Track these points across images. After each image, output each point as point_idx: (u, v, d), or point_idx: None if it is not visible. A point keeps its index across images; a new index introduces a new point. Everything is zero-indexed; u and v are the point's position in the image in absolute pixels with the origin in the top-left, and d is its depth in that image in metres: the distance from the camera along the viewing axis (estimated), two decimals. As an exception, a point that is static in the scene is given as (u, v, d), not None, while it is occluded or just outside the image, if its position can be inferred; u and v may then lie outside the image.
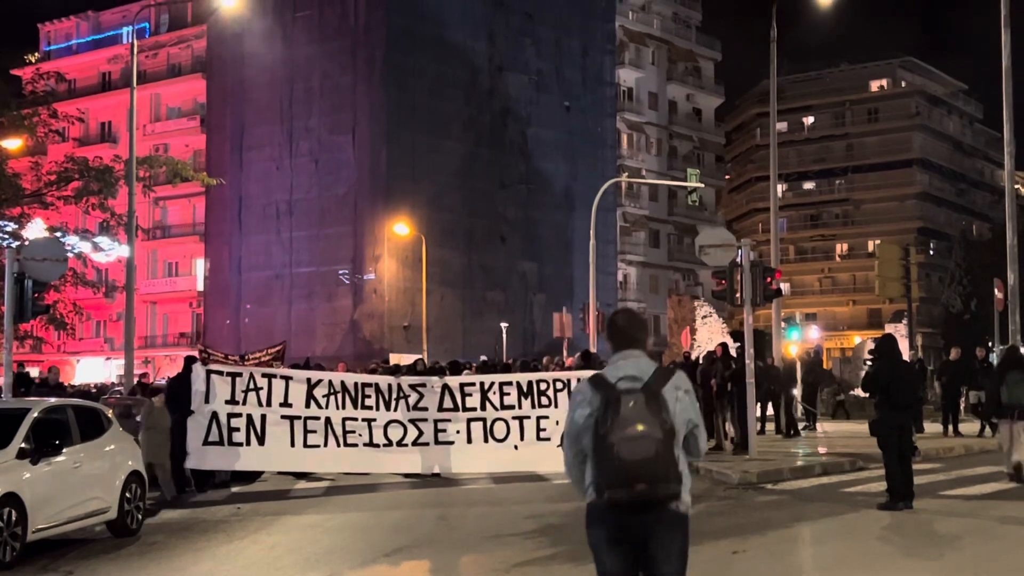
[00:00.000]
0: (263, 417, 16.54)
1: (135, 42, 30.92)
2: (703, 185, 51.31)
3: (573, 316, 40.54)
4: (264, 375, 16.94)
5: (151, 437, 15.58)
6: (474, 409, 17.72)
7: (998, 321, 28.69)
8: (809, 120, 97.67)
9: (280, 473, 17.84)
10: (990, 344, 29.51)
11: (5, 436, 11.00)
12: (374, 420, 17.21)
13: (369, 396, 17.34)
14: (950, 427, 23.89)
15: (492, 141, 61.43)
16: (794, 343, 51.57)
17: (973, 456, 20.08)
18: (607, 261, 62.23)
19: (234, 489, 16.80)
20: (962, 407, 25.44)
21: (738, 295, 19.04)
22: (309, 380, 17.23)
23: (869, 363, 15.39)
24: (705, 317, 41.03)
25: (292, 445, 16.73)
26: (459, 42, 59.34)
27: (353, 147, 57.50)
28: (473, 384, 18.16)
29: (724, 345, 22.94)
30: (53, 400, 13.10)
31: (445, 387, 17.81)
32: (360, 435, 17.11)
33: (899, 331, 33.09)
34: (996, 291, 28.47)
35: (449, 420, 17.54)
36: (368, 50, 57.20)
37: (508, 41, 62.64)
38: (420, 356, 33.79)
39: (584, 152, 65.71)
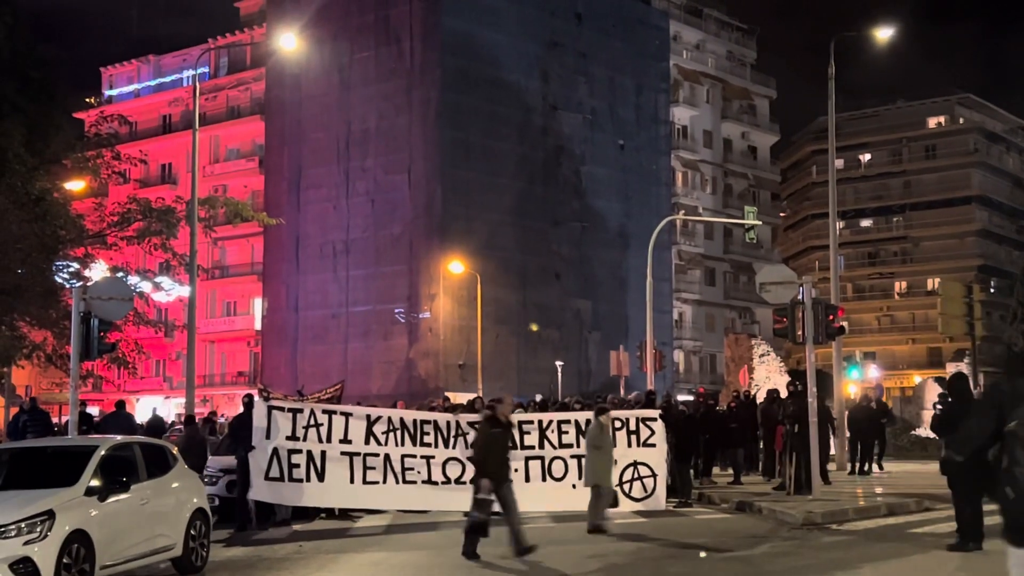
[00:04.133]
0: (323, 453, 16.60)
1: (197, 85, 31.42)
2: (760, 223, 51.13)
3: (630, 354, 40.39)
4: (324, 411, 17.02)
5: (595, 458, 15.89)
6: (532, 447, 17.69)
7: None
8: (866, 157, 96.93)
9: (342, 511, 17.84)
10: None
11: (74, 473, 11.09)
12: (433, 457, 17.21)
13: (428, 433, 17.36)
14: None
15: (546, 179, 61.62)
16: (854, 382, 51.08)
17: None
18: (662, 299, 61.97)
19: (296, 527, 16.83)
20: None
21: (800, 333, 18.84)
22: (369, 417, 17.29)
23: (939, 404, 15.12)
24: (762, 356, 40.71)
25: (352, 481, 16.77)
26: (513, 81, 59.71)
27: (408, 186, 57.90)
28: (531, 422, 18.13)
29: (794, 384, 22.70)
30: (120, 438, 13.23)
31: (504, 425, 17.74)
32: (419, 472, 17.12)
33: (961, 370, 32.63)
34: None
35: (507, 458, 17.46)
36: (423, 90, 57.72)
37: (562, 80, 62.93)
38: (477, 394, 33.76)
39: (638, 190, 65.71)
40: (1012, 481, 5.02)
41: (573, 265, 62.55)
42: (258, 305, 66.46)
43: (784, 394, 23.07)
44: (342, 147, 60.09)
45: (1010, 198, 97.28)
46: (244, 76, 70.77)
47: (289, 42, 38.36)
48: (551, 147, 62.30)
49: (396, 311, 57.52)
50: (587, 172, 63.76)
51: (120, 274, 30.24)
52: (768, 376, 36.71)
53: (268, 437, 16.32)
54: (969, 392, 13.48)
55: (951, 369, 32.01)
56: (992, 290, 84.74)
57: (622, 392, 32.89)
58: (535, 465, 17.67)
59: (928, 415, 29.75)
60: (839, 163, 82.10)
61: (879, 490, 20.46)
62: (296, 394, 20.33)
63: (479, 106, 57.52)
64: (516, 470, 17.44)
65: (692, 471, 20.49)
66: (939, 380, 33.35)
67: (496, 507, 13.32)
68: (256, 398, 17.58)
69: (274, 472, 16.28)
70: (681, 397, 40.91)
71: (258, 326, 66.38)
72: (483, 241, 55.45)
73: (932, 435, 20.62)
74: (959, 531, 12.94)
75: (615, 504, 16.89)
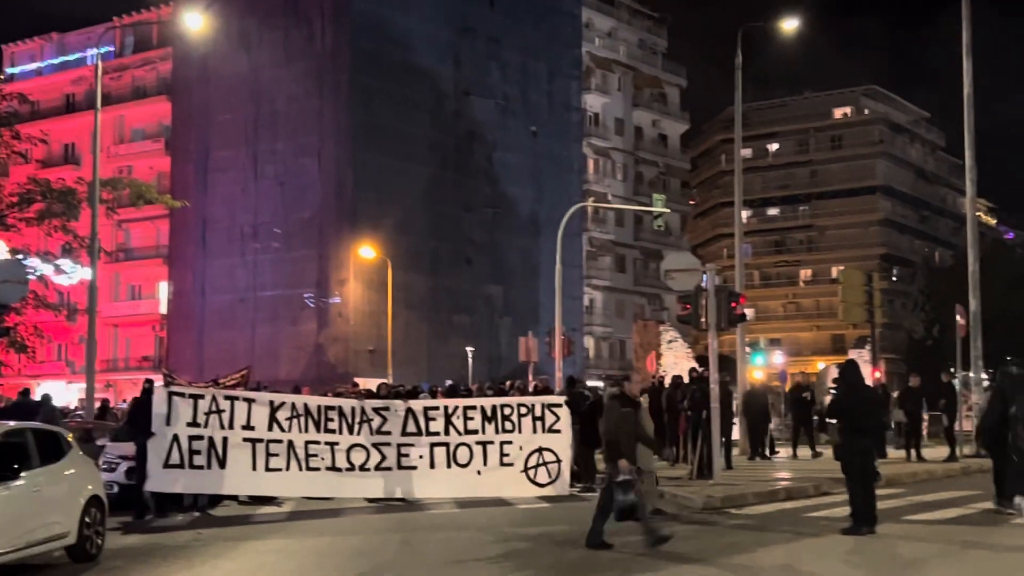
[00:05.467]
0: (225, 440, 16.39)
1: (100, 64, 30.76)
2: (669, 210, 51.60)
3: (539, 340, 40.51)
4: (227, 397, 16.79)
5: None
6: (437, 433, 17.68)
7: (960, 347, 28.91)
8: (773, 147, 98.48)
9: (250, 498, 17.65)
10: (952, 370, 29.68)
11: (-38, 460, 10.81)
12: (337, 444, 17.11)
13: (332, 420, 17.24)
14: (913, 452, 24.04)
15: (458, 165, 61.57)
16: (759, 368, 51.94)
17: (936, 481, 20.22)
18: (573, 285, 62.31)
19: (195, 514, 16.61)
20: (924, 432, 25.65)
21: (703, 320, 19.09)
22: (272, 403, 17.11)
23: (833, 389, 15.45)
24: (671, 342, 41.11)
25: (254, 468, 16.59)
26: (425, 66, 59.46)
27: (319, 170, 57.38)
28: (437, 408, 18.11)
29: (693, 370, 23.01)
30: (12, 424, 12.91)
31: (409, 411, 17.76)
32: (323, 459, 17.01)
33: (862, 357, 33.19)
34: (958, 317, 28.70)
35: (412, 444, 17.49)
36: (334, 73, 57.20)
37: (474, 65, 62.87)
38: (384, 380, 33.62)
39: (550, 177, 65.92)
40: (1017, 451, 6.71)
41: (485, 251, 62.58)
42: (164, 289, 65.42)
43: (687, 380, 23.33)
44: (251, 129, 59.30)
45: (913, 188, 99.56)
46: (150, 55, 69.54)
47: (196, 21, 37.64)
48: (463, 132, 62.23)
49: (305, 296, 57.05)
50: (499, 158, 63.82)
51: (20, 256, 29.58)
52: (676, 362, 37.07)
53: (168, 423, 16.06)
54: (859, 378, 13.77)
55: (852, 356, 32.59)
56: (895, 278, 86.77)
57: (530, 377, 32.96)
58: (440, 451, 17.66)
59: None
60: (747, 152, 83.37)
61: (779, 475, 20.83)
62: (212, 382, 20.00)
63: (391, 90, 57.17)
64: (421, 456, 17.56)
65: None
66: (839, 366, 33.94)
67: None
68: (156, 383, 17.31)
69: (174, 459, 16.03)
70: (592, 383, 41.20)
71: (163, 310, 65.33)
72: (394, 226, 55.17)
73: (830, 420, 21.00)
74: (853, 515, 13.23)
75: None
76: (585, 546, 12.19)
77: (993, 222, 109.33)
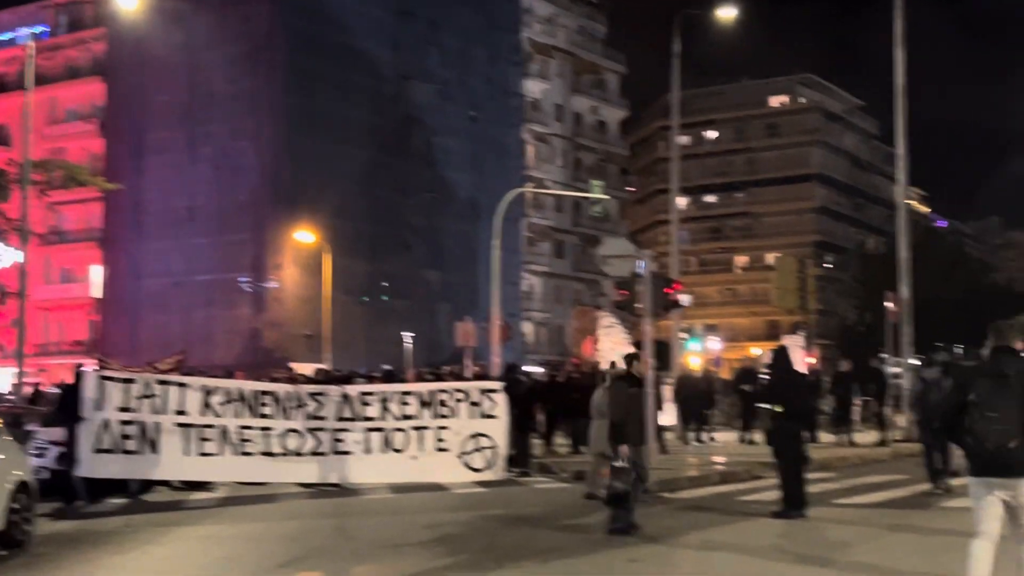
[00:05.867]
0: (157, 425, 16.21)
1: (32, 43, 30.21)
2: (608, 197, 51.84)
3: (477, 325, 40.47)
4: (159, 382, 16.61)
5: (601, 426, 15.25)
6: (373, 419, 17.62)
7: (891, 333, 29.40)
8: (711, 134, 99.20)
9: (184, 483, 17.47)
10: (883, 355, 30.15)
11: None
12: (271, 429, 17.00)
13: (267, 404, 17.12)
14: (844, 436, 24.41)
15: (397, 149, 61.29)
16: (695, 353, 52.40)
17: (866, 465, 20.55)
18: (512, 271, 62.35)
19: (126, 500, 16.42)
20: (855, 417, 26.03)
21: (638, 305, 19.21)
22: (205, 387, 16.94)
23: (763, 375, 15.64)
24: (609, 327, 41.22)
25: (187, 454, 16.43)
26: (363, 49, 59.09)
27: (255, 153, 56.87)
28: (373, 393, 18.05)
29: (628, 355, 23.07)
30: (-65, 408, 12.65)
31: (344, 396, 17.68)
32: (256, 444, 16.89)
33: (796, 342, 33.64)
34: (889, 303, 29.17)
35: (348, 430, 17.41)
36: (270, 55, 56.66)
37: (413, 49, 62.59)
38: (320, 365, 33.46)
39: (489, 162, 65.86)
40: (972, 434, 7.40)
41: (424, 235, 62.45)
42: (97, 272, 64.47)
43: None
44: (186, 111, 58.59)
45: (847, 176, 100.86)
46: (84, 35, 68.30)
47: (130, 1, 36.99)
48: (402, 117, 61.97)
49: (241, 280, 56.55)
50: (438, 143, 63.66)
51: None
52: (614, 348, 37.22)
53: (99, 408, 15.85)
54: (790, 363, 13.95)
55: (786, 341, 33.00)
56: (829, 265, 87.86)
57: (468, 363, 32.94)
58: (376, 436, 17.61)
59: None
60: (685, 139, 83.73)
61: (713, 459, 21.04)
62: (147, 364, 19.76)
63: (328, 73, 56.73)
64: (356, 441, 17.50)
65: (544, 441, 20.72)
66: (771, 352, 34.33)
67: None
68: (87, 368, 17.08)
69: (106, 444, 15.83)
70: (529, 368, 41.27)
71: (97, 294, 64.41)
72: (332, 210, 54.78)
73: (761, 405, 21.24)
74: (784, 498, 13.41)
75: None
76: (608, 533, 12.03)
77: (926, 210, 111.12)
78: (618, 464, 12.13)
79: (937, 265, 63.47)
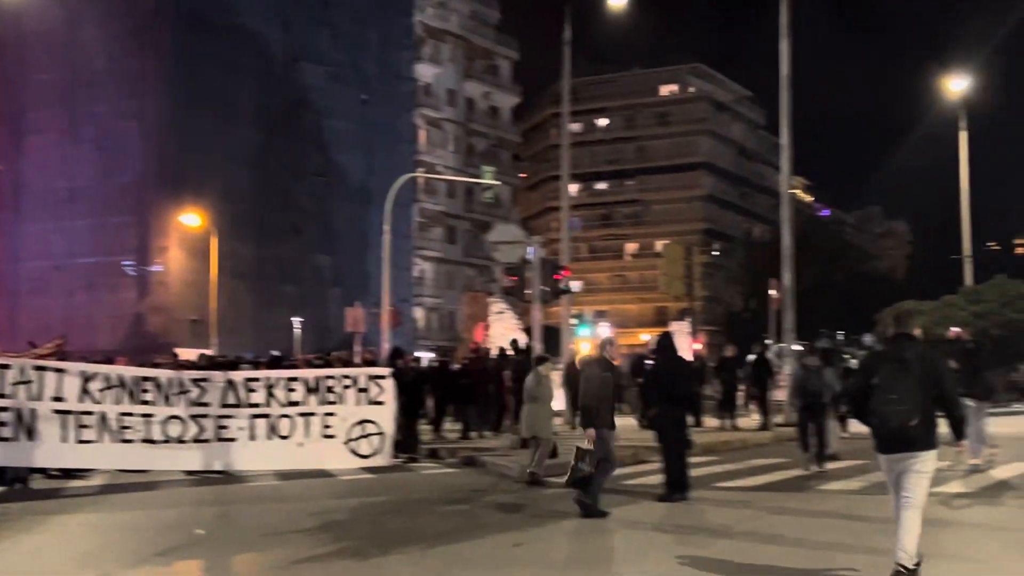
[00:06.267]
0: (33, 411, 15.74)
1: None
2: (499, 183, 51.80)
3: (368, 311, 40.23)
4: (36, 368, 16.10)
5: (534, 410, 15.59)
6: (258, 405, 17.36)
7: (773, 319, 30.02)
8: (603, 122, 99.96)
9: (62, 472, 17.02)
10: (767, 341, 30.79)
11: None
12: (152, 415, 16.63)
13: (148, 391, 16.74)
14: (728, 421, 24.85)
15: (287, 131, 60.47)
16: (585, 339, 52.78)
17: (748, 449, 20.93)
18: (403, 256, 62.10)
19: (1, 489, 15.93)
20: (739, 402, 26.52)
21: (527, 291, 19.29)
22: (84, 373, 16.48)
23: (649, 361, 15.83)
24: (500, 313, 41.39)
25: (64, 441, 15.97)
26: (252, 29, 58.18)
27: (140, 134, 55.59)
28: (258, 379, 17.79)
29: (515, 341, 23.21)
30: None
31: (229, 382, 17.39)
32: (137, 431, 16.51)
33: (683, 328, 34.16)
34: (772, 291, 29.76)
35: (232, 416, 17.13)
36: (156, 34, 55.42)
37: (303, 30, 61.85)
38: (205, 350, 32.91)
39: (381, 146, 65.41)
40: (877, 414, 8.02)
41: (314, 219, 61.79)
42: (-26, 254, 62.43)
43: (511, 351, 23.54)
44: (68, 90, 56.97)
45: (734, 166, 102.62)
46: (-40, 9, 65.92)
47: (8, -26, 35.89)
48: (292, 98, 61.15)
49: (124, 264, 55.28)
50: (329, 126, 63.01)
51: None
52: (505, 333, 37.42)
53: (-28, 395, 15.34)
54: (674, 349, 14.12)
55: (674, 328, 33.47)
56: (715, 253, 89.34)
57: (358, 349, 32.73)
58: (261, 423, 17.36)
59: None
60: (576, 127, 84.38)
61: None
62: (29, 345, 19.15)
63: (217, 53, 55.67)
64: (241, 428, 17.23)
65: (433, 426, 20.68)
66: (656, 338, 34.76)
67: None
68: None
69: (-21, 431, 15.34)
70: (421, 354, 41.20)
71: (-26, 277, 62.38)
72: (219, 193, 53.82)
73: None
74: (667, 482, 13.58)
75: (554, 455, 16.69)
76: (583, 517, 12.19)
77: (810, 199, 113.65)
78: (584, 447, 12.29)
79: (820, 253, 64.98)
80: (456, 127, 79.81)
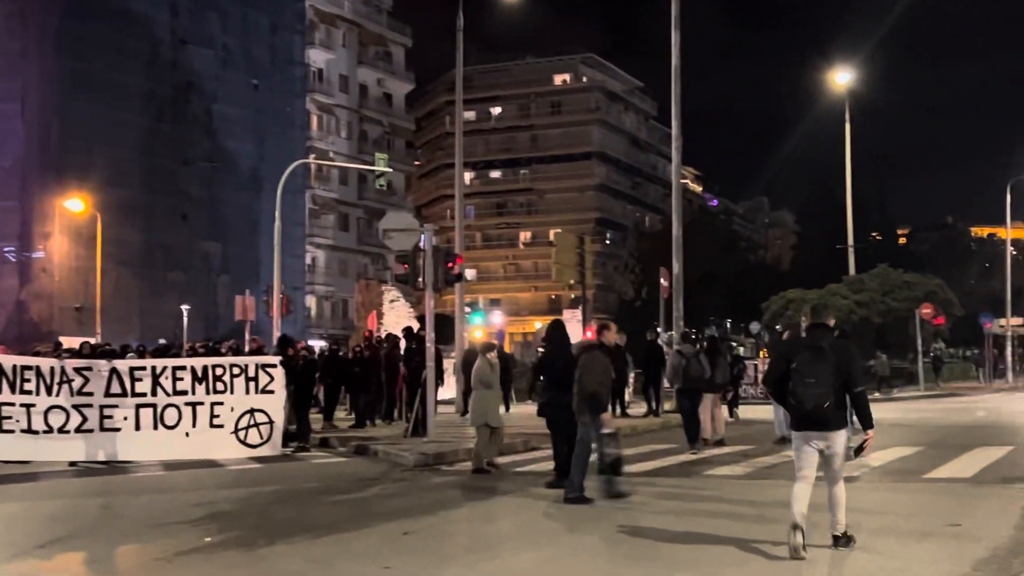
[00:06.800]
0: (-95, 405, 15.28)
1: None
2: (392, 170, 51.44)
3: (258, 299, 39.73)
4: (-91, 359, 15.65)
5: (485, 396, 15.19)
6: (144, 395, 17.11)
7: (663, 307, 30.42)
8: (496, 110, 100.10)
9: None
10: (659, 329, 31.18)
11: None
12: (33, 405, 16.27)
13: (29, 380, 16.37)
14: (618, 407, 25.12)
15: (175, 116, 59.33)
16: (479, 327, 52.94)
17: (637, 436, 21.21)
18: (295, 244, 61.41)
19: None
20: (629, 390, 26.86)
21: (420, 279, 19.24)
22: (-40, 364, 16.06)
23: (540, 348, 15.95)
24: (393, 301, 41.22)
25: (-60, 433, 15.56)
26: (139, 11, 56.88)
27: (22, 117, 53.97)
28: (144, 368, 17.50)
29: (408, 329, 23.15)
30: None
31: (113, 371, 17.08)
32: (18, 421, 16.15)
33: (576, 317, 34.45)
34: (663, 279, 30.16)
35: (116, 406, 16.86)
36: (40, 16, 53.86)
37: (192, 14, 60.68)
38: (88, 339, 32.19)
39: (272, 132, 64.54)
40: (794, 396, 8.81)
41: (202, 206, 60.75)
42: None
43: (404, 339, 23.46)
44: (-56, 71, 55.06)
45: (626, 155, 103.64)
46: None
47: None
48: (180, 83, 59.99)
49: (5, 250, 53.74)
50: (218, 111, 61.95)
51: None
52: (398, 321, 37.26)
53: None
54: (564, 337, 14.22)
55: (567, 316, 33.74)
56: (608, 242, 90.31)
57: (247, 336, 32.30)
58: (146, 413, 17.10)
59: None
60: (470, 115, 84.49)
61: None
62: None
63: (103, 36, 54.29)
64: (126, 418, 16.94)
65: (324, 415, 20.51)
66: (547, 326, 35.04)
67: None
68: None
69: None
70: (312, 342, 40.80)
71: None
72: (105, 178, 52.58)
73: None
74: (556, 469, 13.68)
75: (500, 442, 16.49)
76: (564, 502, 12.13)
77: (700, 190, 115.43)
78: (605, 431, 12.33)
79: (710, 243, 66.02)
80: (349, 113, 79.15)
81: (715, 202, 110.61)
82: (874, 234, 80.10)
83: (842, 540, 8.95)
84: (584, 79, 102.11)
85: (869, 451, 9.21)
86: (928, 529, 10.14)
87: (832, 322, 9.51)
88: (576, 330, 27.53)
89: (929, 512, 11.28)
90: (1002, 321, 52.79)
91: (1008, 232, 60.12)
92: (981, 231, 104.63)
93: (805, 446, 8.92)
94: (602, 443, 12.36)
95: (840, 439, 8.88)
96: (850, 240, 48.33)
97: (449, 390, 27.46)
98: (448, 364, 27.68)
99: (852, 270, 48.23)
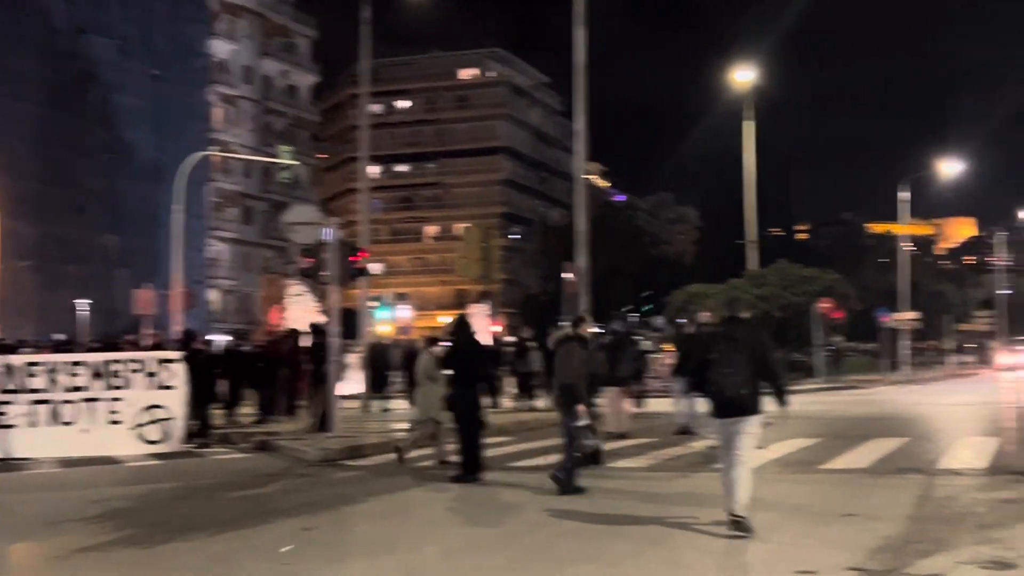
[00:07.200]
0: None
1: None
2: (297, 162, 51.12)
3: (159, 293, 39.07)
4: None
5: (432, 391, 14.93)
6: (40, 390, 16.74)
7: (569, 302, 30.55)
8: (403, 104, 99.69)
9: None
10: (561, 324, 31.30)
11: None
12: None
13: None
14: (525, 402, 25.24)
15: (72, 106, 58.00)
16: (385, 322, 52.72)
17: (543, 429, 21.24)
18: (197, 237, 60.43)
19: None
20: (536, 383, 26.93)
21: (324, 273, 19.10)
22: None
23: (446, 343, 15.93)
24: (297, 295, 40.78)
25: None
26: (35, -1, 55.56)
27: (-90, 105, 52.39)
28: (39, 364, 17.13)
29: (314, 324, 22.89)
30: None
31: (7, 367, 16.69)
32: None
33: (482, 311, 34.42)
34: (568, 274, 30.28)
35: (11, 402, 16.49)
36: (-71, 1, 52.31)
37: (90, 1, 59.33)
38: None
39: (174, 123, 63.38)
40: (713, 383, 9.30)
41: (100, 198, 59.52)
42: None
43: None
44: None
45: (532, 150, 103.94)
46: None
47: None
48: (77, 72, 58.62)
49: None
50: (117, 101, 60.75)
51: None
52: (303, 316, 36.88)
53: None
54: (469, 331, 14.24)
55: (474, 310, 33.70)
56: (515, 236, 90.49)
57: (147, 332, 31.76)
58: (42, 409, 16.74)
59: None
60: (377, 108, 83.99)
61: (396, 426, 21.20)
62: None
63: (-4, 23, 52.94)
64: (21, 414, 16.56)
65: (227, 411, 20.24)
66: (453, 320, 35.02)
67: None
68: None
69: None
70: (215, 337, 40.22)
71: None
72: (-2, 169, 51.30)
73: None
74: (462, 463, 13.70)
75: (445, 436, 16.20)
76: (559, 494, 12.08)
77: (605, 185, 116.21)
78: (580, 424, 12.23)
79: (615, 237, 66.56)
80: (253, 105, 78.08)
81: (621, 197, 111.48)
82: (774, 229, 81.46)
83: (741, 524, 9.21)
84: (491, 73, 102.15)
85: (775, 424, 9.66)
86: (825, 518, 10.36)
87: (746, 315, 10.18)
88: (483, 324, 27.57)
89: (826, 502, 11.53)
90: (897, 315, 54.01)
91: (902, 229, 61.58)
92: (878, 228, 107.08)
93: (728, 430, 9.41)
94: (578, 435, 12.31)
95: (754, 422, 9.38)
96: (751, 235, 49.06)
97: (357, 384, 27.29)
98: (353, 359, 27.52)
99: (754, 265, 48.95)
